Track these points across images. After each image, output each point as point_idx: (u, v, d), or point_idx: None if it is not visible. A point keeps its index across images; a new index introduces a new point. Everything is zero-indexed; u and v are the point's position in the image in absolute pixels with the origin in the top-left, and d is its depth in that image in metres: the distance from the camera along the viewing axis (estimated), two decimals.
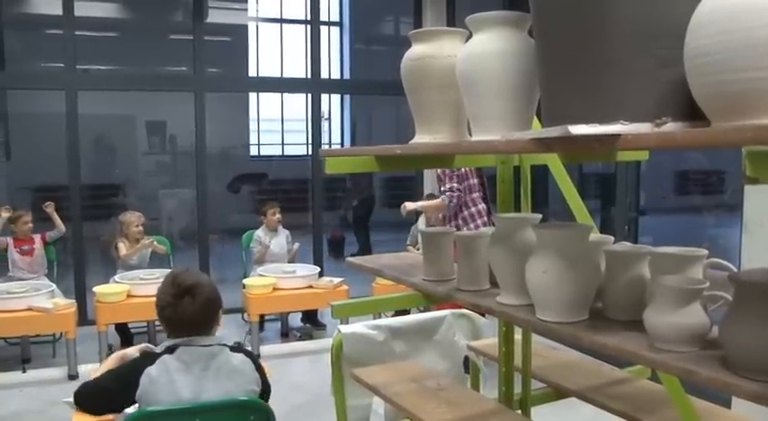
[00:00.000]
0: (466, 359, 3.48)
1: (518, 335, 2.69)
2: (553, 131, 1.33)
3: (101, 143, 12.83)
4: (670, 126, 1.27)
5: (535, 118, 1.82)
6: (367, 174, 11.34)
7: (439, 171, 5.59)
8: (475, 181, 5.54)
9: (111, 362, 2.61)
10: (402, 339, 3.35)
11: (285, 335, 6.85)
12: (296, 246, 7.00)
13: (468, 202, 5.48)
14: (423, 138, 2.06)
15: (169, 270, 5.78)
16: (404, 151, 2.05)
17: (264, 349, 6.10)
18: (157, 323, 6.23)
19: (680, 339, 1.39)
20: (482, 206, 5.51)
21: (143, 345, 2.74)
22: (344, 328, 3.24)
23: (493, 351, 2.98)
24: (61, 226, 6.36)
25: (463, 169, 5.46)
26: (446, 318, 3.46)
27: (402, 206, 5.88)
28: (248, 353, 2.62)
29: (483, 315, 3.55)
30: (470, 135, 1.88)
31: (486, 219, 5.46)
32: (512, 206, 2.50)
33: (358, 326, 3.28)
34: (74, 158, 6.94)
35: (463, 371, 3.51)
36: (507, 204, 2.49)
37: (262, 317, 6.45)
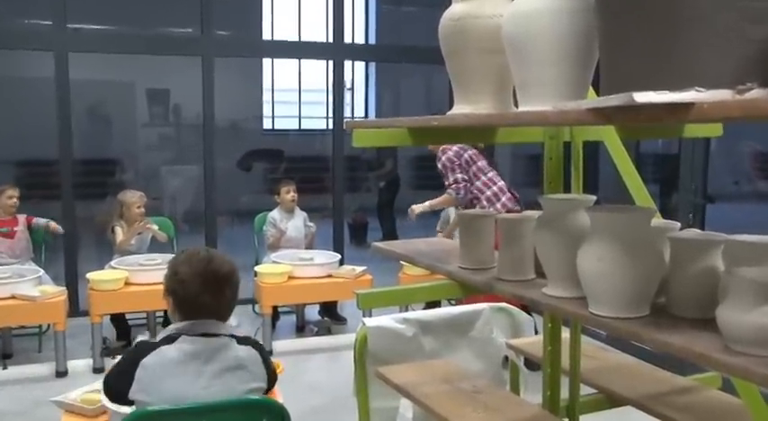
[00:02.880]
0: (505, 358, 3.47)
1: (565, 334, 2.67)
2: (615, 100, 1.31)
3: (95, 113, 12.87)
4: (756, 93, 1.23)
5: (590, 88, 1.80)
6: (391, 153, 11.27)
7: (440, 164, 5.80)
8: (483, 162, 5.80)
9: None
10: (433, 335, 3.35)
11: (301, 329, 6.89)
12: (312, 228, 7.01)
13: (483, 187, 5.72)
14: (462, 109, 2.05)
15: (172, 255, 5.80)
16: (441, 123, 2.06)
17: (278, 345, 6.14)
18: (159, 314, 6.34)
19: (761, 341, 1.35)
20: (501, 183, 5.77)
21: None
22: (369, 321, 3.24)
23: (536, 350, 2.96)
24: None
25: (466, 155, 5.73)
26: (483, 313, 3.45)
27: (409, 210, 6.14)
28: (256, 345, 2.64)
29: (526, 309, 3.55)
30: (516, 105, 1.87)
31: (509, 194, 5.72)
32: (560, 186, 2.47)
33: (384, 320, 3.28)
34: (65, 130, 6.95)
35: (502, 372, 3.50)
36: (555, 185, 2.46)
37: (275, 309, 6.47)
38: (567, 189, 2.56)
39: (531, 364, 3.44)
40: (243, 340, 2.61)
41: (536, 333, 3.58)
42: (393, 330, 3.27)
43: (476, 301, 3.53)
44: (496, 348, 3.44)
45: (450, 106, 2.11)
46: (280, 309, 6.84)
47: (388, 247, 2.66)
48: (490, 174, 5.75)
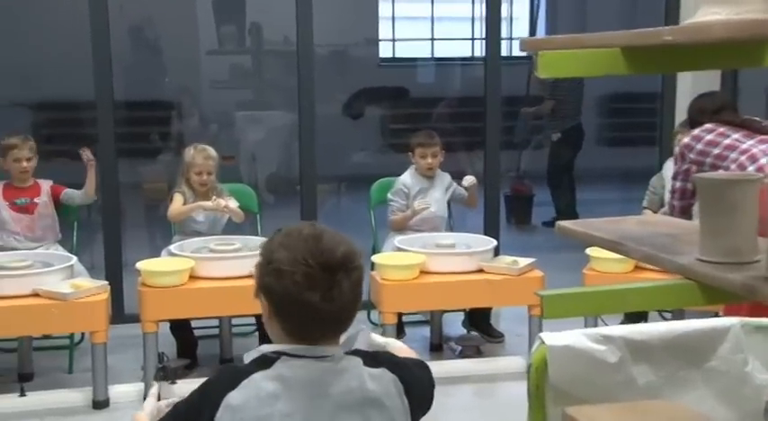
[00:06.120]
0: None
1: None
2: None
3: (143, 37, 13.13)
4: None
5: None
6: (576, 89, 11.00)
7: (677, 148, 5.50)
8: (739, 134, 5.34)
9: None
10: (650, 363, 3.29)
11: (438, 348, 6.92)
12: (471, 183, 6.93)
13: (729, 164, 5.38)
14: (715, 14, 2.00)
15: (257, 238, 5.84)
16: (678, 38, 2.00)
17: None
18: (236, 321, 6.40)
19: None
20: (759, 148, 5.23)
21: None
22: (551, 339, 3.17)
23: None
24: (92, 191, 6.40)
25: (708, 137, 5.33)
26: (731, 332, 3.35)
27: None
28: (394, 366, 2.62)
29: None
30: None
31: None
32: None
33: (574, 337, 3.21)
34: (102, 61, 7.03)
35: None
36: None
37: (400, 317, 6.49)
38: None
39: None
40: (372, 359, 2.58)
41: None
42: (588, 353, 3.21)
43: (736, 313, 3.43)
44: (754, 388, 3.34)
45: (669, 21, 2.05)
46: (406, 318, 6.88)
47: (580, 228, 2.59)
48: (746, 145, 5.26)
